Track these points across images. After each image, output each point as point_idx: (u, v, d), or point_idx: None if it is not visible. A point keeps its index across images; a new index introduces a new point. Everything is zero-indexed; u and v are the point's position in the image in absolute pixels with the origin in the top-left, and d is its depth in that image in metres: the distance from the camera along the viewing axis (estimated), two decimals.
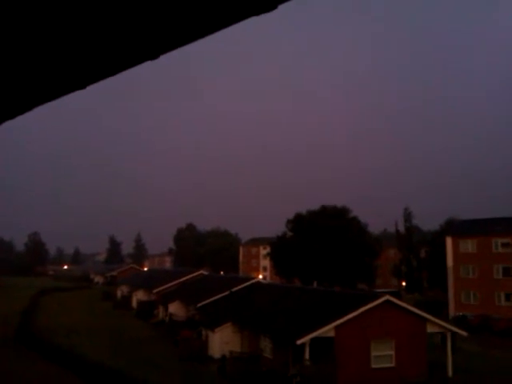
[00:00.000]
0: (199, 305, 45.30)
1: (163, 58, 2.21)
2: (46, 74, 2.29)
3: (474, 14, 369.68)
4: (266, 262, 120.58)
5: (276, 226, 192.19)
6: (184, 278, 63.99)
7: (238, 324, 36.64)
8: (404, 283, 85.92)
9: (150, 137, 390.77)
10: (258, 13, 1.98)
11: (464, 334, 33.79)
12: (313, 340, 28.16)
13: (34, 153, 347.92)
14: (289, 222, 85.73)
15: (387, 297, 31.19)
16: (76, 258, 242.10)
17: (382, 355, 30.06)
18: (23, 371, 28.93)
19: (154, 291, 60.78)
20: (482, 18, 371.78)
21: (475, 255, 63.67)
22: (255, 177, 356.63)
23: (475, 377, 31.81)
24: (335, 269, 77.27)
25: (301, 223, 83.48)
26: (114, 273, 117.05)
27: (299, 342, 27.78)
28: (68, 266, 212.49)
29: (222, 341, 35.75)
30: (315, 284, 76.69)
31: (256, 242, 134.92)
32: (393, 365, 30.05)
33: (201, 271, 70.26)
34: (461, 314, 58.83)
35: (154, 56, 2.17)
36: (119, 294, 76.99)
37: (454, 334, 33.08)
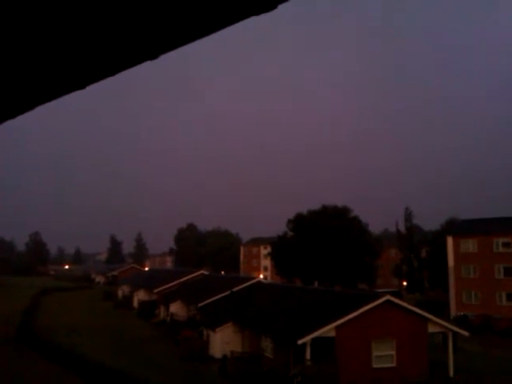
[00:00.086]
0: (200, 305, 45.31)
1: (163, 58, 2.21)
2: (46, 74, 2.29)
3: (473, 14, 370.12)
4: (266, 262, 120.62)
5: (277, 226, 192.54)
6: (185, 278, 64.00)
7: (239, 324, 36.64)
8: (405, 283, 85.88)
9: (150, 137, 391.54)
10: (257, 13, 1.97)
11: (465, 333, 33.74)
12: (314, 340, 28.15)
13: (35, 153, 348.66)
14: (290, 221, 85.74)
15: (388, 297, 31.17)
16: (77, 258, 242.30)
17: (383, 355, 30.04)
18: (24, 371, 28.95)
19: (155, 291, 60.79)
20: (481, 18, 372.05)
21: (476, 255, 63.63)
22: (256, 176, 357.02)
23: (476, 377, 31.79)
24: (336, 269, 77.26)
25: (302, 223, 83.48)
26: (115, 272, 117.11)
27: (300, 341, 27.77)
28: (69, 265, 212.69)
29: (222, 341, 35.76)
30: (316, 284, 76.69)
31: (257, 241, 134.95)
32: (394, 365, 30.02)
33: (201, 271, 70.23)
34: (462, 313, 58.82)
35: (153, 56, 2.17)
36: (120, 293, 77.02)
37: (455, 333, 33.04)
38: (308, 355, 27.91)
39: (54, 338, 37.13)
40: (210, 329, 37.24)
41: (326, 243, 77.57)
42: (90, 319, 53.23)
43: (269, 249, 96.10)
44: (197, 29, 1.99)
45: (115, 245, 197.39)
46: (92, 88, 2.48)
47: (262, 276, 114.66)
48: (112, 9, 1.82)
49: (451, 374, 31.90)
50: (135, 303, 65.31)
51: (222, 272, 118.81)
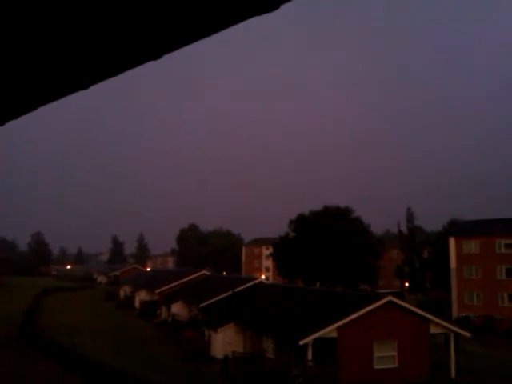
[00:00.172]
0: (202, 305, 45.31)
1: (166, 58, 2.22)
2: (50, 74, 2.30)
3: (473, 14, 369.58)
4: (268, 263, 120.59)
5: (278, 227, 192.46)
6: (187, 279, 64.02)
7: (241, 324, 36.64)
8: (407, 284, 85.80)
9: (152, 137, 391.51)
10: (260, 12, 1.98)
11: (467, 334, 33.71)
12: (315, 340, 28.13)
13: (37, 153, 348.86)
14: (291, 222, 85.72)
15: (390, 297, 31.15)
16: (79, 258, 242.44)
17: (385, 356, 30.02)
18: (26, 371, 28.98)
19: (157, 291, 60.81)
20: (481, 18, 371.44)
21: (478, 256, 63.55)
22: (258, 177, 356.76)
23: (478, 378, 31.75)
24: (338, 269, 77.21)
25: (303, 223, 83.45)
26: (117, 273, 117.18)
27: (302, 342, 27.76)
28: (71, 265, 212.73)
29: (224, 341, 35.76)
30: (318, 284, 76.65)
31: (258, 242, 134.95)
32: (395, 365, 30.00)
33: (203, 271, 70.26)
34: (464, 314, 58.73)
35: (156, 56, 2.17)
36: (122, 293, 77.08)
37: (457, 334, 33.00)
38: (310, 356, 27.90)
39: (55, 337, 37.17)
40: (211, 329, 37.25)
41: (327, 244, 77.53)
42: (91, 319, 53.28)
43: (271, 249, 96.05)
44: (200, 29, 2.00)
45: (117, 245, 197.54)
46: (95, 88, 2.49)
47: (263, 276, 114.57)
48: (115, 8, 1.83)
49: (453, 375, 31.86)
50: (137, 303, 65.35)
51: (224, 272, 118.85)
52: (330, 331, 28.77)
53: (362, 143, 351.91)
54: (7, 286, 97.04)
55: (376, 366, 29.52)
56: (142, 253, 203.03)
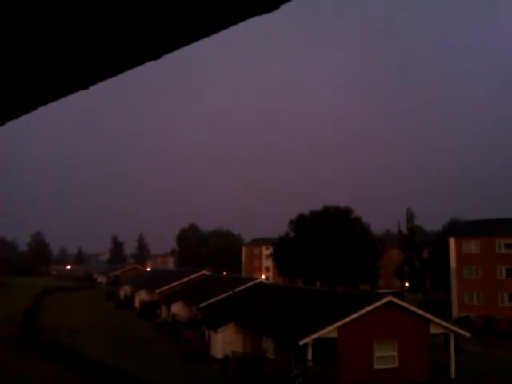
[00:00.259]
0: (202, 305, 45.31)
1: (166, 57, 2.22)
2: (50, 75, 2.30)
3: (473, 14, 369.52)
4: (268, 263, 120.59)
5: (278, 227, 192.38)
6: (187, 279, 64.02)
7: (241, 324, 36.64)
8: (407, 284, 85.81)
9: (152, 137, 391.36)
10: (260, 12, 1.98)
11: (467, 334, 33.71)
12: (315, 340, 28.13)
13: (37, 153, 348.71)
14: (291, 222, 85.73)
15: (390, 297, 31.16)
16: (79, 258, 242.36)
17: (385, 356, 30.02)
18: (26, 371, 28.98)
19: (157, 291, 60.81)
20: (481, 18, 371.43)
21: (478, 256, 63.56)
22: (258, 177, 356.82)
23: (478, 378, 31.75)
24: (338, 269, 77.22)
25: (303, 223, 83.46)
26: (117, 273, 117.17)
27: (302, 342, 27.76)
28: (71, 265, 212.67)
29: (224, 341, 35.75)
30: (318, 284, 76.64)
31: (258, 242, 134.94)
32: (395, 365, 30.00)
33: (203, 271, 70.26)
34: (464, 314, 58.72)
35: (156, 56, 2.17)
36: (122, 294, 77.08)
37: (457, 334, 33.01)
38: (310, 356, 27.90)
39: (55, 337, 37.17)
40: (211, 329, 37.25)
41: (327, 244, 77.54)
42: (91, 319, 53.28)
43: (271, 249, 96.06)
44: (200, 29, 2.00)
45: (117, 245, 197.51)
46: (95, 88, 2.49)
47: (263, 276, 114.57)
48: (115, 8, 1.83)
49: (453, 375, 31.86)
50: (137, 303, 65.35)
51: (224, 272, 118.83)
52: (330, 331, 28.77)
53: (362, 143, 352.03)
54: (7, 286, 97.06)
55: (376, 366, 29.52)
56: (142, 253, 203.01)
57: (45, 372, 29.12)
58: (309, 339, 27.89)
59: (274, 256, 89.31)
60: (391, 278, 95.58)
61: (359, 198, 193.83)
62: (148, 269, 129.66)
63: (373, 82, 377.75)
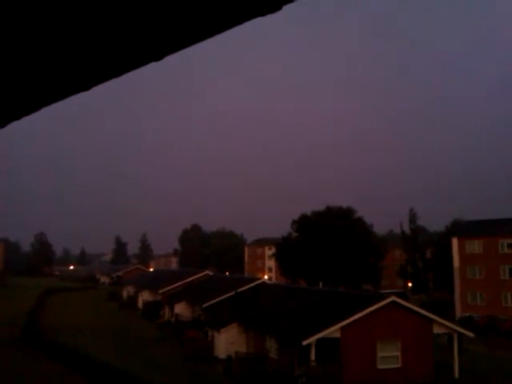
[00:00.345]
0: (205, 305, 45.33)
1: (167, 59, 2.21)
2: (52, 76, 2.30)
3: (473, 13, 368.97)
4: (271, 263, 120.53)
5: (281, 227, 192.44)
6: (190, 279, 64.03)
7: (244, 324, 36.65)
8: (410, 284, 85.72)
9: (154, 137, 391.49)
10: (263, 14, 1.97)
11: (470, 334, 33.67)
12: (318, 341, 28.12)
13: (40, 153, 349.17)
14: (294, 222, 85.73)
15: (393, 298, 31.14)
16: (82, 259, 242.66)
17: (388, 356, 29.99)
18: (29, 371, 29.04)
19: (160, 292, 60.85)
20: (481, 17, 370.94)
21: (481, 256, 63.45)
22: (259, 176, 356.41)
23: (481, 378, 31.69)
24: (340, 269, 77.18)
25: (306, 224, 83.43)
26: (120, 273, 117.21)
27: (305, 342, 27.75)
28: (74, 266, 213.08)
29: (227, 341, 35.76)
30: (321, 285, 76.61)
31: (261, 242, 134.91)
32: (399, 365, 29.97)
33: (206, 272, 70.29)
34: (467, 314, 58.61)
35: (158, 57, 2.17)
36: (125, 294, 77.15)
37: (460, 334, 32.96)
38: (313, 356, 27.89)
39: (58, 338, 37.23)
40: (214, 329, 37.26)
41: (330, 244, 77.49)
42: (94, 319, 53.36)
43: (273, 249, 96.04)
44: (202, 30, 1.99)
45: (120, 245, 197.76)
46: (96, 88, 2.49)
47: (266, 277, 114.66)
48: (117, 10, 1.83)
49: (456, 375, 31.82)
50: (140, 304, 65.40)
51: (227, 273, 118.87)
52: (333, 331, 28.76)
53: (362, 143, 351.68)
54: (10, 286, 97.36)
55: (379, 366, 29.49)
56: (145, 253, 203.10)
57: (46, 372, 29.18)
58: (312, 339, 27.87)
59: (277, 256, 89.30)
60: (394, 278, 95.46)
61: (360, 198, 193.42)
62: (151, 269, 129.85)
63: (373, 82, 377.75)
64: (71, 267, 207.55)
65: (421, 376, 29.79)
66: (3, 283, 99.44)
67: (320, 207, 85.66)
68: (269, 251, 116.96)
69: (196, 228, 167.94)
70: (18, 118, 2.90)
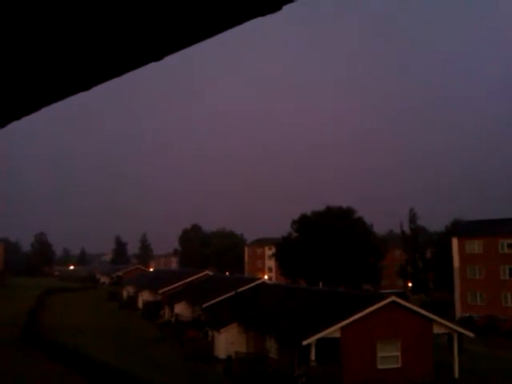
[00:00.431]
0: (205, 305, 45.34)
1: (167, 59, 2.21)
2: (52, 76, 2.30)
3: (474, 13, 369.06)
4: (271, 263, 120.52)
5: (281, 227, 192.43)
6: (190, 279, 64.03)
7: (244, 324, 36.65)
8: (410, 284, 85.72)
9: (154, 137, 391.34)
10: (263, 14, 1.97)
11: (470, 334, 33.67)
12: (318, 341, 28.12)
13: (40, 153, 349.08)
14: (294, 222, 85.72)
15: (393, 298, 31.14)
16: (82, 259, 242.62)
17: (388, 356, 29.99)
18: (29, 371, 29.04)
19: (160, 292, 60.85)
20: (482, 17, 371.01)
21: (481, 256, 63.45)
22: (259, 176, 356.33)
23: (481, 378, 31.69)
24: (340, 269, 77.18)
25: (306, 224, 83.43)
26: (120, 273, 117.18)
27: (305, 342, 27.75)
28: (74, 266, 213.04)
29: (227, 341, 35.76)
30: (321, 285, 76.62)
31: (261, 242, 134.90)
32: (399, 365, 29.97)
33: (206, 272, 70.28)
34: (467, 314, 58.61)
35: (158, 57, 2.17)
36: (125, 294, 77.14)
37: (460, 334, 32.96)
38: (313, 356, 27.89)
39: (58, 338, 37.23)
40: (214, 329, 37.26)
41: (330, 244, 77.50)
42: (94, 319, 53.35)
43: (273, 249, 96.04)
44: (202, 30, 1.99)
45: (120, 245, 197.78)
46: (96, 88, 2.49)
47: (266, 277, 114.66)
48: (117, 9, 1.83)
49: (456, 375, 31.82)
50: (140, 304, 65.39)
51: (227, 273, 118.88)
52: (333, 331, 28.76)
53: (362, 143, 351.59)
54: (10, 286, 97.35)
55: (379, 366, 29.49)
56: (145, 253, 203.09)
57: (46, 372, 29.18)
58: (312, 339, 27.87)
59: (277, 256, 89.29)
60: (394, 278, 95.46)
61: (360, 198, 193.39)
62: (151, 269, 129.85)
63: (373, 82, 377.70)
64: (71, 267, 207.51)
65: (421, 376, 29.79)
66: (3, 283, 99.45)
67: (320, 207, 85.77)
68: (269, 251, 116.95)
69: (196, 228, 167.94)
70: (18, 118, 2.90)
